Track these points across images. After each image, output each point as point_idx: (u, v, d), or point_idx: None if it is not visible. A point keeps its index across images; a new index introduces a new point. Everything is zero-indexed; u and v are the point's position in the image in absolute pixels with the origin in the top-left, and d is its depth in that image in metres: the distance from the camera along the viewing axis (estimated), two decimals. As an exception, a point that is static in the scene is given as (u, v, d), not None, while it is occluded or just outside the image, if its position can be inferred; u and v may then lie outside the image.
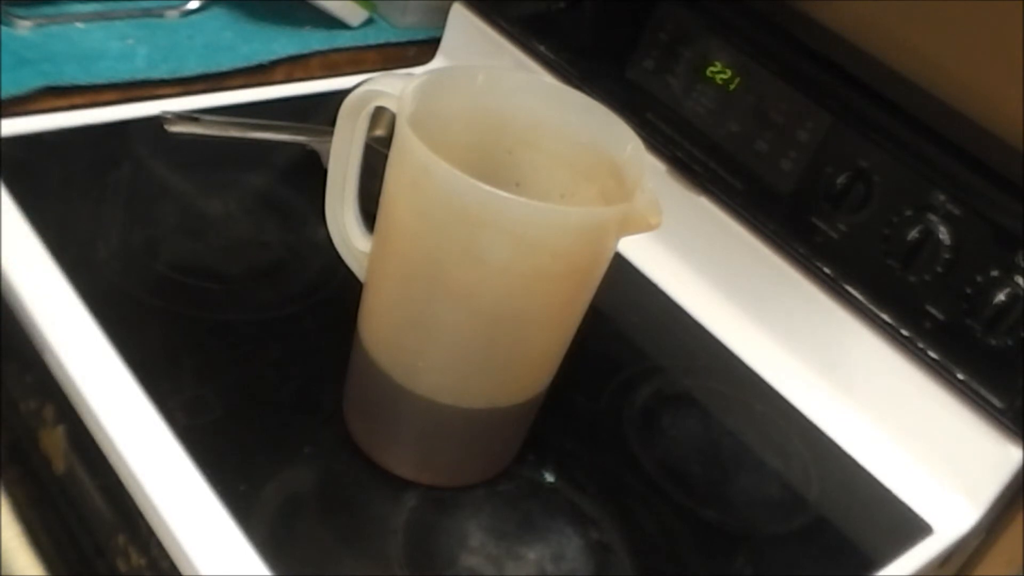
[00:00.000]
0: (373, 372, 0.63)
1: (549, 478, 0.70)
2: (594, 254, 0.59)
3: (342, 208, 0.66)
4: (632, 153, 0.61)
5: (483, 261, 0.56)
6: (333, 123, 0.65)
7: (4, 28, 0.92)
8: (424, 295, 0.59)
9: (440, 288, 0.58)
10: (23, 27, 0.94)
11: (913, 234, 0.76)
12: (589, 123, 0.64)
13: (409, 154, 0.56)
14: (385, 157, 0.60)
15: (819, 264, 0.82)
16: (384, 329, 0.63)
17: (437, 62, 1.10)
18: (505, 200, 0.54)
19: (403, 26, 1.13)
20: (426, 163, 0.55)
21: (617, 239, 0.59)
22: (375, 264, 0.64)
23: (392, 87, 0.60)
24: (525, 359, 0.63)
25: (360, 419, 0.67)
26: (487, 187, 0.53)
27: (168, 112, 0.87)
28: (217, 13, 1.06)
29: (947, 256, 0.75)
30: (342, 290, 0.66)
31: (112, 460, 0.64)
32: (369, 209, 0.65)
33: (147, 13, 1.03)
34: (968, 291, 0.74)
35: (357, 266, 0.67)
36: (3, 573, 0.74)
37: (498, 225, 0.55)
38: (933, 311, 0.76)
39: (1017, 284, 0.72)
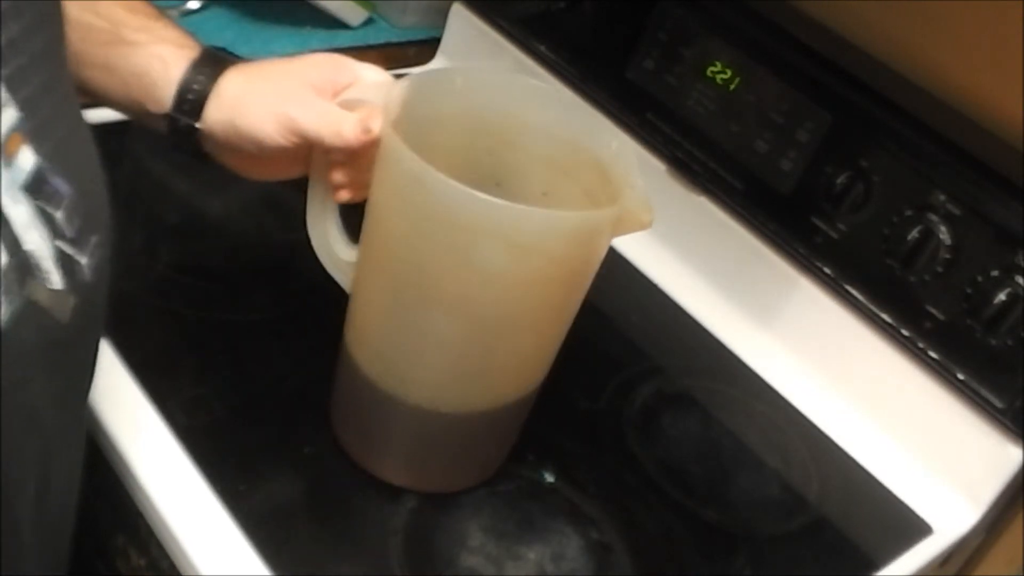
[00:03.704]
0: (363, 384, 0.63)
1: (549, 478, 0.70)
2: (588, 257, 0.59)
3: (324, 218, 0.65)
4: (618, 150, 0.61)
5: (478, 269, 0.56)
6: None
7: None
8: (418, 304, 0.59)
9: (434, 297, 0.58)
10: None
11: (913, 234, 0.76)
12: (570, 121, 0.63)
13: (397, 164, 0.55)
14: None
15: (819, 264, 0.82)
16: (375, 339, 0.63)
17: (437, 62, 1.10)
18: (501, 208, 0.53)
19: (403, 26, 1.13)
20: (417, 172, 0.54)
21: (610, 239, 0.59)
22: (364, 274, 0.63)
23: (375, 95, 0.59)
24: (519, 362, 0.63)
25: (351, 431, 0.67)
26: (482, 195, 0.53)
27: (168, 112, 0.87)
28: (217, 13, 1.06)
29: (947, 256, 0.75)
30: (342, 290, 0.66)
31: (112, 460, 0.64)
32: (351, 219, 0.65)
33: (147, 13, 1.03)
34: (968, 291, 0.74)
35: (342, 277, 0.66)
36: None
37: (493, 233, 0.54)
38: (933, 311, 0.76)
39: (1017, 284, 0.72)
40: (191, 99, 0.62)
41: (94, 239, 0.48)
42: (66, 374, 0.50)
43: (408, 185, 0.56)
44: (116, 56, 0.62)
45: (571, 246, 0.57)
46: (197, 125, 0.62)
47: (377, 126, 0.58)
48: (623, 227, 0.57)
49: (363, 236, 0.62)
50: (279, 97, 0.61)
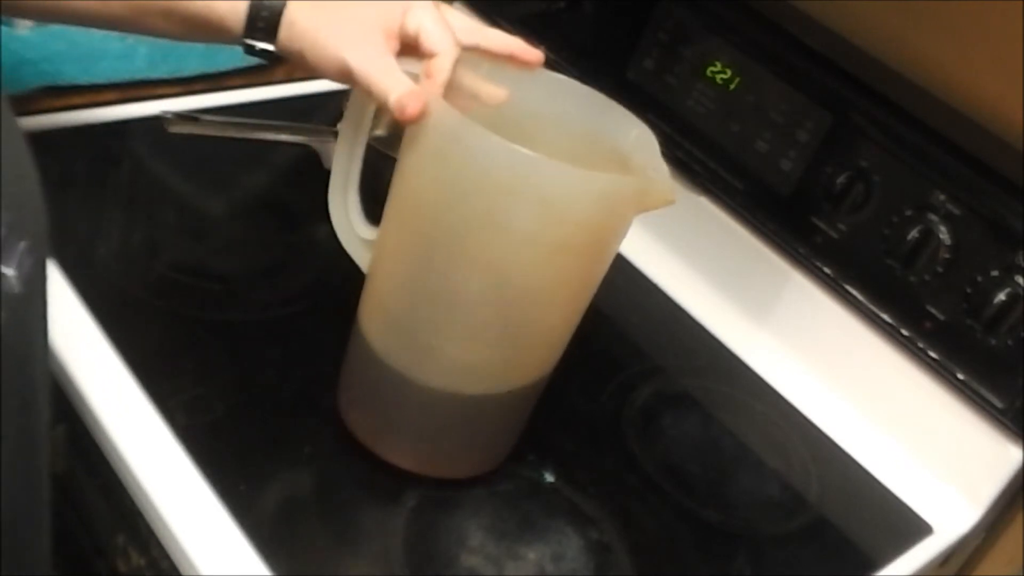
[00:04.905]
0: (375, 363, 0.63)
1: (549, 478, 0.70)
2: (614, 226, 0.59)
3: (345, 196, 0.66)
4: (638, 138, 0.61)
5: (508, 230, 0.56)
6: (333, 123, 0.65)
7: (4, 28, 0.92)
8: (444, 267, 0.59)
9: (462, 258, 0.58)
10: (23, 27, 0.94)
11: (913, 234, 0.76)
12: (588, 112, 0.64)
13: (436, 121, 0.56)
14: (383, 156, 0.59)
15: (819, 264, 0.82)
16: (393, 315, 0.63)
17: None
18: (535, 161, 0.54)
19: (403, 26, 1.13)
20: (455, 127, 0.55)
21: (635, 213, 0.59)
22: (385, 247, 0.63)
23: (411, 66, 0.60)
24: (538, 336, 0.63)
25: (360, 412, 0.67)
26: (519, 148, 0.53)
27: (168, 112, 0.87)
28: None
29: (947, 256, 0.75)
30: (342, 290, 0.67)
31: (112, 460, 0.64)
32: (369, 203, 0.65)
33: (147, 13, 1.03)
34: (968, 291, 0.74)
35: (361, 255, 0.66)
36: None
37: (525, 191, 0.55)
38: (933, 311, 0.76)
39: (1017, 284, 0.72)
40: (262, 27, 0.62)
41: (22, 246, 0.44)
42: (5, 393, 0.47)
43: (442, 140, 0.56)
44: (175, 6, 0.62)
45: (600, 210, 0.57)
46: (271, 48, 0.62)
47: (418, 106, 0.57)
48: (648, 202, 0.58)
49: (390, 201, 0.62)
50: (345, 40, 0.60)
